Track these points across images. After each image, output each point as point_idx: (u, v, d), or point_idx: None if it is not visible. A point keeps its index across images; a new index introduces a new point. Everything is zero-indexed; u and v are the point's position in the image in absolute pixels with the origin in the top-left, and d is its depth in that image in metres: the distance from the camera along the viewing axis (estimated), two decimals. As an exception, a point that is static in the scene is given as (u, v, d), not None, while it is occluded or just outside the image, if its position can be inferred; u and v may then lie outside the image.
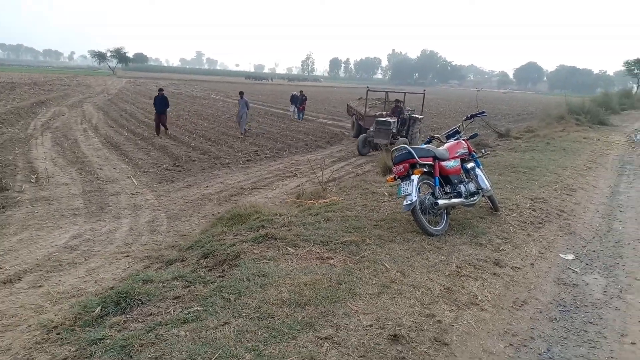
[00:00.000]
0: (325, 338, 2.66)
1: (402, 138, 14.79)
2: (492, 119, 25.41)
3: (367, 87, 19.60)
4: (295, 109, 25.75)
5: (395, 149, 4.72)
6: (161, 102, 17.59)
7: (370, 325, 2.83)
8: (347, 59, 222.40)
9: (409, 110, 16.32)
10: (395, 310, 3.05)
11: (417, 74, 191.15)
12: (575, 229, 5.34)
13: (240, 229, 5.13)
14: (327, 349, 2.57)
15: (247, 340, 2.62)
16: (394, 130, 15.14)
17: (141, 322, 3.00)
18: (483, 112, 5.63)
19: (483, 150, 8.17)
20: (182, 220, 7.96)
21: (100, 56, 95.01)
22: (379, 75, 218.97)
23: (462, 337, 2.88)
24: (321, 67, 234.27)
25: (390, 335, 2.74)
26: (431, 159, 4.70)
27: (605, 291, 3.78)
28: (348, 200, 6.15)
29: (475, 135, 5.68)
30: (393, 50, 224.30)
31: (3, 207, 8.52)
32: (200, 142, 15.94)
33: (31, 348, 3.05)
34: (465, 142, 5.37)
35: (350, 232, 4.53)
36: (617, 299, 3.65)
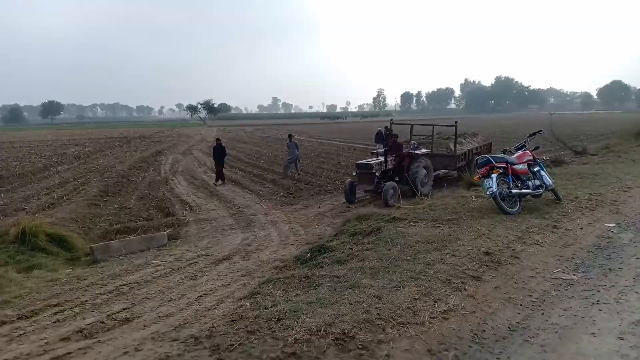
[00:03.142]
0: (446, 253, 4.88)
1: (391, 182, 12.33)
2: (573, 140, 26.15)
3: (391, 120, 17.88)
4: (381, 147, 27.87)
5: (477, 158, 6.92)
6: (219, 152, 18.14)
7: (471, 249, 5.01)
8: (419, 92, 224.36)
9: (413, 143, 14.42)
10: (486, 244, 5.20)
11: (492, 102, 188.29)
12: (622, 211, 7.11)
13: (369, 222, 7.46)
14: (448, 256, 4.79)
15: (405, 255, 4.90)
16: (378, 174, 12.81)
17: (338, 255, 5.37)
18: (541, 131, 7.70)
19: (543, 156, 9.97)
20: (313, 227, 10.45)
21: (192, 109, 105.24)
22: (452, 106, 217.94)
23: (528, 256, 4.96)
24: (392, 102, 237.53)
25: (484, 252, 4.90)
26: (505, 163, 6.83)
27: (631, 240, 5.64)
28: (444, 200, 8.32)
29: (537, 147, 7.71)
30: (466, 79, 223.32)
31: (179, 226, 11.56)
32: (302, 176, 18.72)
33: (275, 271, 5.50)
34: (531, 152, 7.42)
35: (451, 215, 6.72)
36: (638, 243, 5.50)
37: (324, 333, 3.25)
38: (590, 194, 7.98)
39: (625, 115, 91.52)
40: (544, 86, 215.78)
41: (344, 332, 3.26)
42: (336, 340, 3.18)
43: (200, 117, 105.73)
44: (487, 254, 4.88)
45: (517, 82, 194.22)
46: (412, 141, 15.25)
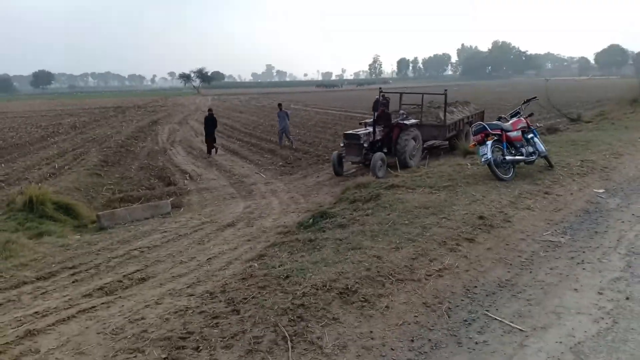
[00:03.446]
0: (442, 217, 5.16)
1: (379, 153, 11.98)
2: (569, 107, 26.29)
3: (380, 88, 16.62)
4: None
5: (473, 125, 7.13)
6: (211, 123, 18.02)
7: (466, 213, 5.28)
8: (415, 58, 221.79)
9: (402, 113, 13.87)
10: (480, 209, 5.47)
11: (489, 67, 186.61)
12: (611, 177, 7.39)
13: (368, 189, 7.72)
14: (444, 220, 5.07)
15: (404, 220, 5.18)
16: (366, 145, 12.44)
17: (340, 220, 5.65)
18: (535, 97, 7.89)
19: (537, 123, 10.17)
20: (313, 196, 10.71)
21: (185, 77, 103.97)
22: (449, 72, 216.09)
23: (519, 220, 5.25)
24: (389, 69, 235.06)
25: (478, 216, 5.18)
26: (499, 130, 7.05)
27: (617, 204, 5.93)
28: (440, 168, 8.57)
29: (532, 114, 7.91)
30: (462, 44, 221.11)
31: (180, 195, 11.79)
32: (299, 145, 18.87)
33: (279, 235, 5.78)
34: (525, 119, 7.63)
35: (447, 182, 6.98)
36: (625, 207, 5.80)
37: (329, 288, 3.55)
38: (581, 160, 8.24)
39: (623, 80, 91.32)
40: (541, 51, 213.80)
41: (347, 287, 3.55)
42: (340, 294, 3.47)
43: (194, 86, 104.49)
44: (480, 217, 5.16)
45: (514, 47, 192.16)
46: (401, 111, 14.62)
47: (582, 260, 4.20)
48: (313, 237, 5.13)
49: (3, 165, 15.97)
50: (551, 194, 6.29)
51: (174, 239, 6.81)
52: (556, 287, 3.69)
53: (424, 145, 14.49)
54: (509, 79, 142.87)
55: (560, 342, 2.90)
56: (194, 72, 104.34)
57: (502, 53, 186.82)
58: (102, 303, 3.93)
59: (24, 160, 16.68)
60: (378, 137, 12.86)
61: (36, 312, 3.86)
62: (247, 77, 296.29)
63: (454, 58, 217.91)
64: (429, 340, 3.02)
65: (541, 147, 7.48)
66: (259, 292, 3.62)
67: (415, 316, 3.30)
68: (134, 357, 2.85)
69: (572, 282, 3.78)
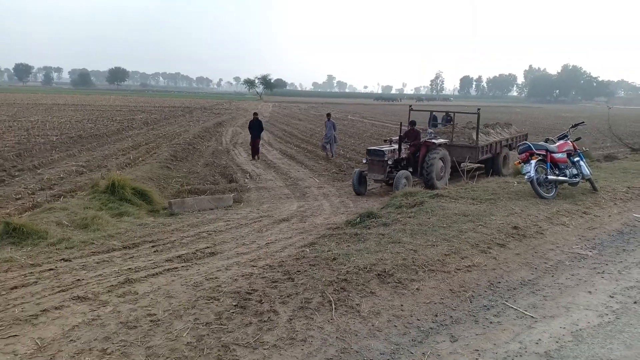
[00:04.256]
0: (478, 224, 5.66)
1: (404, 171, 11.70)
2: (635, 137, 25.45)
3: (410, 106, 16.33)
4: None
5: (519, 145, 7.55)
6: (256, 126, 18.31)
7: (502, 223, 5.75)
8: (479, 77, 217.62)
9: (430, 132, 13.52)
10: (516, 221, 5.92)
11: (557, 91, 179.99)
12: (656, 204, 7.54)
13: (414, 197, 8.27)
14: (480, 227, 5.57)
15: (442, 223, 5.72)
16: (390, 162, 11.97)
17: (384, 220, 6.26)
18: (583, 122, 8.18)
19: (584, 147, 10.27)
20: (362, 202, 11.34)
21: (250, 83, 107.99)
22: (514, 93, 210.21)
23: (552, 233, 5.66)
24: (451, 86, 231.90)
25: (512, 226, 5.64)
26: (544, 151, 7.42)
27: (654, 228, 6.18)
28: (486, 184, 8.98)
29: (579, 138, 8.19)
30: (530, 66, 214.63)
31: (241, 191, 12.77)
32: (353, 155, 19.55)
33: (329, 230, 6.47)
34: (572, 142, 7.93)
35: (490, 195, 7.42)
36: (661, 232, 6.05)
37: (369, 270, 4.19)
38: (628, 187, 8.40)
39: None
40: (614, 78, 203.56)
41: (385, 271, 4.18)
42: (378, 275, 4.11)
43: (257, 92, 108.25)
44: (515, 228, 5.62)
45: (585, 71, 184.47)
46: (429, 129, 14.10)
47: (603, 271, 4.60)
48: (358, 232, 5.79)
49: (84, 153, 17.70)
50: (589, 214, 6.61)
51: (236, 227, 7.66)
52: (572, 289, 4.14)
53: (460, 167, 14.06)
54: (576, 105, 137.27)
55: (564, 328, 3.39)
56: (258, 79, 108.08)
57: (572, 77, 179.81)
58: (182, 266, 4.78)
59: (102, 150, 18.41)
60: (403, 155, 12.35)
61: (129, 269, 4.75)
62: (308, 86, 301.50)
63: (520, 79, 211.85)
64: (451, 317, 3.60)
65: (586, 170, 7.76)
66: (310, 268, 4.32)
67: (441, 298, 3.88)
68: (211, 302, 3.62)
69: (589, 286, 4.21)
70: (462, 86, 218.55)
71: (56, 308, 3.53)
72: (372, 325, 3.38)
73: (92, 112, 38.79)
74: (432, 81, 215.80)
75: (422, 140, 12.63)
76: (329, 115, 19.76)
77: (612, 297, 3.97)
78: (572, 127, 8.24)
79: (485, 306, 3.78)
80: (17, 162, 14.85)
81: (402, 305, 3.70)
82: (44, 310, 3.48)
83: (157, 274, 4.51)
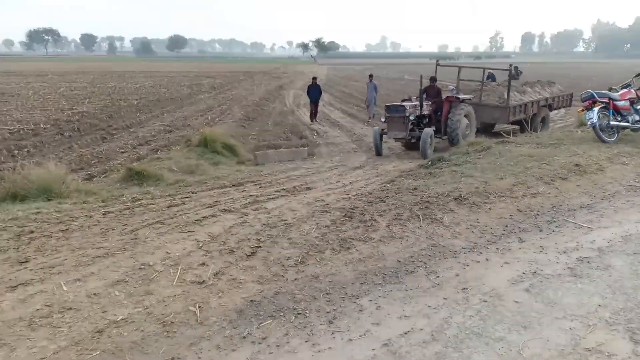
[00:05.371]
0: (543, 163, 6.33)
1: (428, 129, 11.13)
2: None
3: (437, 61, 15.71)
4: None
5: (582, 93, 7.99)
6: (316, 91, 18.18)
7: (564, 162, 6.38)
8: (542, 33, 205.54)
9: (452, 89, 12.90)
10: (578, 160, 6.52)
11: (628, 45, 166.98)
12: None
13: (481, 144, 8.91)
14: (544, 165, 6.24)
15: (509, 162, 6.43)
16: (412, 118, 11.20)
17: (455, 162, 7.04)
18: (649, 72, 8.41)
19: None
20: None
21: (304, 46, 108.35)
22: (580, 49, 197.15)
23: (612, 170, 6.24)
24: (511, 44, 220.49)
25: (574, 164, 6.27)
26: (607, 99, 7.82)
27: None
28: (551, 133, 9.45)
29: (643, 86, 8.47)
30: (598, 20, 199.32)
31: (311, 146, 13.82)
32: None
33: (403, 173, 7.32)
34: (635, 91, 8.24)
35: (554, 141, 7.97)
36: None
37: (447, 195, 5.05)
38: (695, 133, 8.61)
39: None
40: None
41: (461, 195, 5.03)
42: (455, 199, 4.97)
43: (311, 55, 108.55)
44: (576, 165, 6.25)
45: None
46: (450, 87, 13.41)
47: (657, 199, 5.22)
48: (432, 171, 6.62)
49: (166, 114, 19.35)
50: (651, 156, 7.06)
51: (319, 172, 8.69)
52: (626, 210, 4.82)
53: (493, 130, 13.52)
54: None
55: (616, 234, 4.13)
56: (313, 42, 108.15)
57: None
58: (290, 195, 5.86)
59: (181, 112, 20.00)
60: (426, 112, 11.71)
61: (250, 195, 5.89)
62: (361, 48, 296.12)
63: (587, 34, 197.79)
64: (519, 227, 4.42)
65: (649, 116, 8.08)
66: (396, 194, 5.25)
67: (510, 215, 4.70)
68: (325, 214, 4.65)
69: (641, 208, 4.88)
70: (524, 43, 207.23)
71: (212, 216, 4.68)
72: (454, 231, 4.29)
73: (161, 78, 41.01)
74: (491, 38, 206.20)
75: (445, 96, 12.05)
76: (371, 76, 19.11)
77: (661, 215, 4.63)
78: (636, 76, 8.50)
79: (548, 221, 4.57)
80: (111, 123, 16.63)
81: (477, 219, 4.56)
82: (204, 217, 4.64)
83: (275, 197, 5.62)
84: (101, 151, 12.39)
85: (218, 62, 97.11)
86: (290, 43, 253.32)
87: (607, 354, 2.40)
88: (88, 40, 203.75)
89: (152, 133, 14.81)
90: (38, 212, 4.95)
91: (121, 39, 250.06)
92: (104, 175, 9.94)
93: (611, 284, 3.18)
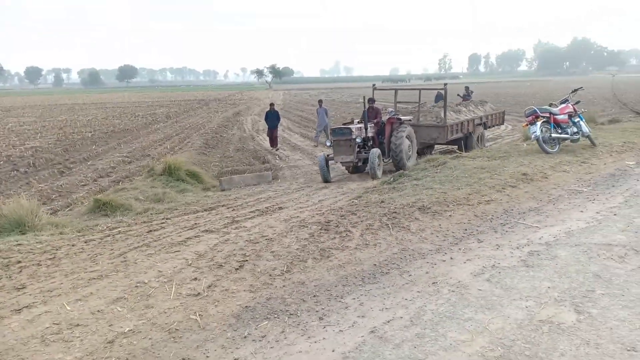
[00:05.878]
0: (494, 174, 6.95)
1: (375, 149, 10.78)
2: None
3: (373, 85, 15.50)
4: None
5: (526, 109, 8.79)
6: (274, 117, 17.98)
7: (513, 172, 7.04)
8: (487, 53, 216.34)
9: (390, 111, 12.62)
10: (525, 169, 7.19)
11: (567, 63, 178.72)
12: (647, 154, 8.75)
13: (436, 160, 9.55)
14: (495, 175, 6.86)
15: (464, 175, 7.02)
16: (359, 141, 10.85)
17: (415, 176, 7.58)
18: (581, 87, 9.38)
19: (583, 109, 10.81)
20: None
21: (259, 72, 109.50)
22: (523, 67, 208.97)
23: (555, 177, 6.94)
24: (459, 65, 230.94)
25: (522, 173, 6.93)
26: (548, 114, 8.65)
27: (641, 171, 7.42)
28: (498, 147, 10.23)
29: (579, 102, 9.38)
30: (539, 40, 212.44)
31: (275, 170, 14.15)
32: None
33: (367, 189, 7.79)
34: (572, 105, 9.14)
35: (503, 154, 8.70)
36: (646, 173, 7.28)
37: (411, 205, 5.53)
38: (624, 142, 9.59)
39: None
40: (626, 47, 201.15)
41: (424, 205, 5.52)
42: (419, 209, 5.44)
43: (266, 81, 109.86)
44: (524, 174, 6.91)
45: (595, 42, 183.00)
46: (389, 109, 13.33)
47: (594, 200, 5.88)
48: (395, 186, 7.13)
49: (122, 145, 19.21)
50: (587, 163, 7.86)
51: (286, 194, 9.03)
52: (568, 211, 5.44)
53: (432, 152, 13.56)
54: (587, 75, 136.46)
55: (560, 231, 4.70)
56: (267, 68, 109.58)
57: (582, 48, 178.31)
58: (265, 214, 6.16)
59: (138, 142, 19.89)
60: (370, 134, 11.43)
61: (226, 217, 6.15)
62: (316, 73, 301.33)
63: (530, 54, 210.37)
64: (477, 230, 4.93)
65: (585, 129, 8.98)
66: (365, 207, 5.68)
67: (469, 220, 5.21)
68: (302, 228, 5.00)
69: (581, 208, 5.50)
70: (471, 63, 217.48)
71: (195, 237, 4.93)
72: (421, 236, 4.73)
73: (113, 109, 40.40)
74: (440, 60, 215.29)
75: (385, 117, 11.82)
76: (320, 101, 19.01)
77: (598, 213, 5.26)
78: (572, 91, 9.45)
79: (501, 223, 5.10)
80: (67, 156, 16.38)
81: (440, 225, 5.04)
82: (187, 238, 4.88)
83: (252, 217, 5.92)
84: (61, 185, 12.24)
85: (171, 91, 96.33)
86: (244, 69, 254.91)
87: (557, 323, 2.85)
88: (33, 73, 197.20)
89: (112, 165, 14.72)
90: (19, 244, 5.03)
91: (67, 70, 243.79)
92: (69, 208, 9.89)
93: (558, 270, 3.68)
